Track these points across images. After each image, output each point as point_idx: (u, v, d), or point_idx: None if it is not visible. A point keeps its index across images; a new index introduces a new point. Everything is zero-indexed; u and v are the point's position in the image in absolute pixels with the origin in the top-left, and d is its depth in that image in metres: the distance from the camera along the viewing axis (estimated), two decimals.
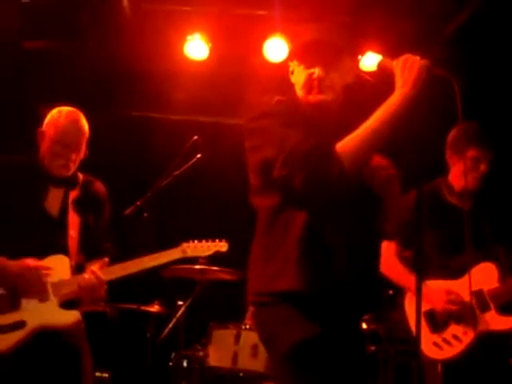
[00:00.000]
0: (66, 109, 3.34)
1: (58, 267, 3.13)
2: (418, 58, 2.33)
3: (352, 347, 2.43)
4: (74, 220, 3.23)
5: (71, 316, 3.12)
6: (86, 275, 3.13)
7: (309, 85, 2.46)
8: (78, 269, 3.18)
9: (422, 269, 3.46)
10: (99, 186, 3.46)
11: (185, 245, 3.46)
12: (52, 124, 3.29)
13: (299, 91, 2.51)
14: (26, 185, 3.20)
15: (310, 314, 2.30)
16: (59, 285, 3.10)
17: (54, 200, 3.24)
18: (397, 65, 2.35)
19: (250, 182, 2.50)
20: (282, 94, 2.54)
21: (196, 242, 3.53)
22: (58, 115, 3.30)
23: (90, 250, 3.27)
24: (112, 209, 3.47)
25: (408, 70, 2.30)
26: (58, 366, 3.08)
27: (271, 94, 2.52)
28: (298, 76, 2.51)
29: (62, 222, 3.21)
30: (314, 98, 2.46)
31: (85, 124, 3.33)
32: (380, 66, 2.45)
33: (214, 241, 3.60)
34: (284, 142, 2.31)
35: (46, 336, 3.05)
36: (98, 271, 3.14)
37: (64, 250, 3.16)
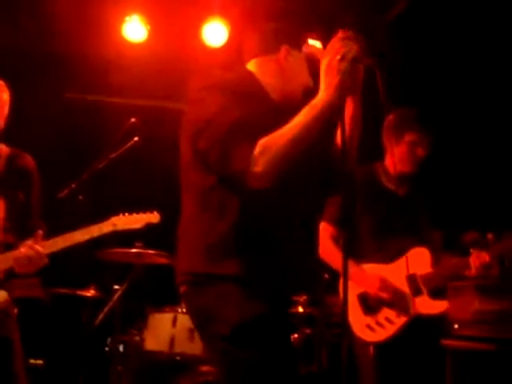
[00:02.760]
0: None
1: None
2: (344, 50, 2.28)
3: (287, 328, 2.46)
4: None
5: None
6: (23, 249, 3.02)
7: (306, 86, 2.51)
8: (6, 248, 3.07)
9: (350, 252, 3.52)
10: (27, 160, 3.30)
11: (114, 218, 3.32)
12: None
13: (286, 79, 2.50)
14: None
15: (250, 294, 2.30)
16: None
17: None
18: (322, 56, 2.33)
19: (181, 158, 2.46)
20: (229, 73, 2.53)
21: (126, 214, 3.38)
22: None
23: (21, 229, 3.15)
24: (44, 187, 3.34)
25: (331, 74, 2.28)
26: None
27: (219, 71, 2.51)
28: (300, 69, 2.52)
29: None
30: (299, 98, 2.49)
31: (3, 91, 3.18)
32: (306, 52, 2.46)
33: (144, 212, 3.45)
34: (216, 117, 2.28)
35: None
36: (35, 244, 3.03)
37: None
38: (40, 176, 3.32)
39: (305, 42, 2.50)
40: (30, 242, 3.03)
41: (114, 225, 3.29)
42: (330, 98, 2.27)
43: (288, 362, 2.36)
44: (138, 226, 3.39)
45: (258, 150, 2.20)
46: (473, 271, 3.57)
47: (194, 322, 2.49)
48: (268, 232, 2.35)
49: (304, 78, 2.54)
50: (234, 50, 2.79)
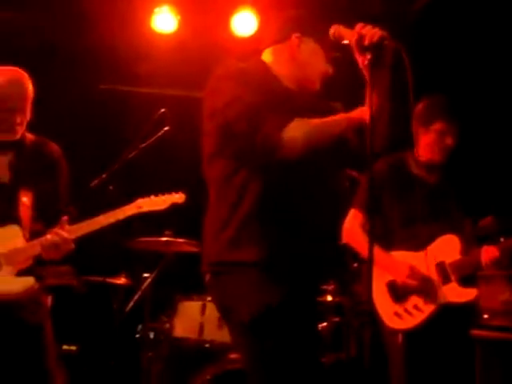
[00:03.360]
0: (4, 69, 3.17)
1: (8, 238, 3.05)
2: None
3: (312, 315, 2.48)
4: (26, 186, 3.12)
5: (24, 282, 3.04)
6: (49, 235, 3.04)
7: (324, 74, 2.54)
8: (34, 236, 3.09)
9: (380, 239, 3.53)
10: (53, 147, 3.31)
11: (140, 200, 3.31)
12: None
13: (300, 67, 2.53)
14: None
15: (270, 280, 2.31)
16: (12, 253, 3.03)
17: (2, 167, 3.13)
18: (350, 37, 2.36)
19: (203, 152, 2.49)
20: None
21: (152, 196, 3.38)
22: None
23: (50, 217, 3.16)
24: (76, 178, 3.37)
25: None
26: (16, 345, 3.02)
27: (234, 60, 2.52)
28: (315, 57, 2.54)
29: (12, 189, 3.10)
30: (317, 86, 2.54)
31: (28, 84, 3.17)
32: (335, 35, 2.46)
33: (170, 194, 3.44)
34: (242, 94, 2.31)
35: (3, 313, 3.00)
36: (61, 230, 3.05)
37: (15, 219, 3.07)
38: (67, 162, 3.33)
39: (323, 29, 2.51)
40: (55, 228, 3.06)
41: (139, 207, 3.29)
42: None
43: (310, 348, 2.37)
44: (162, 206, 3.38)
45: (295, 121, 2.25)
46: (483, 266, 3.56)
47: (218, 310, 2.52)
48: (289, 216, 2.36)
49: (321, 65, 2.55)
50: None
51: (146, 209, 3.30)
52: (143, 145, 4.43)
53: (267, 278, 2.31)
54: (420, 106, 3.79)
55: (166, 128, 4.45)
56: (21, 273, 3.05)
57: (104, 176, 4.32)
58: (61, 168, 3.30)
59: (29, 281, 3.05)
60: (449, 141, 3.72)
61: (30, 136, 3.27)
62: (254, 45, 2.70)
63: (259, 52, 2.63)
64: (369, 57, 2.33)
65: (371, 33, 2.31)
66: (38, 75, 3.25)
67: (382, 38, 2.30)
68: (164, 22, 5.55)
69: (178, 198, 3.44)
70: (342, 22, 2.50)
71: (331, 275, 4.68)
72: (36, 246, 3.05)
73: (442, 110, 3.72)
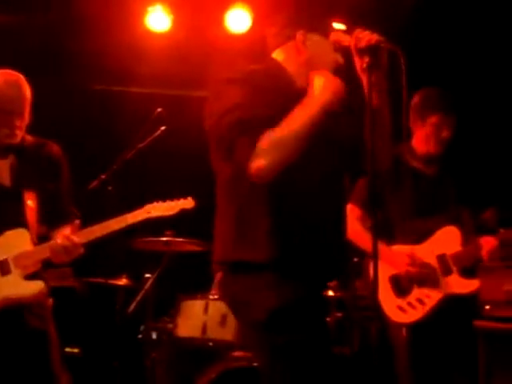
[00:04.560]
0: (1, 72, 3.16)
1: (17, 241, 3.06)
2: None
3: (321, 312, 2.50)
4: (30, 189, 3.12)
5: (35, 286, 3.06)
6: (59, 240, 3.05)
7: (334, 64, 2.54)
8: (41, 240, 3.10)
9: (380, 233, 3.52)
10: (53, 148, 3.30)
11: (149, 206, 3.31)
12: None
13: (309, 61, 2.52)
14: None
15: (284, 278, 2.32)
16: (21, 257, 3.04)
17: (3, 171, 3.13)
18: (349, 42, 2.40)
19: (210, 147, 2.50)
20: (256, 64, 2.55)
21: (160, 202, 3.36)
22: None
23: (53, 218, 3.18)
24: (75, 179, 3.37)
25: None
26: (22, 350, 3.03)
27: (245, 62, 2.54)
28: (322, 49, 2.54)
29: (16, 193, 3.10)
30: None
31: (26, 86, 3.15)
32: (333, 40, 2.48)
33: (178, 199, 3.42)
34: (227, 113, 2.30)
35: (9, 317, 3.01)
36: (71, 235, 3.06)
37: (22, 223, 3.07)
38: (68, 162, 3.33)
39: (326, 23, 2.52)
40: (66, 233, 3.07)
41: (148, 212, 3.29)
42: (325, 101, 2.33)
43: (325, 344, 2.40)
44: (172, 212, 3.37)
45: (262, 143, 2.23)
46: (483, 257, 3.58)
47: (231, 309, 2.53)
48: (296, 215, 2.37)
49: (330, 56, 2.55)
50: (258, 36, 2.81)
51: (155, 214, 3.30)
52: (141, 145, 4.44)
53: (280, 276, 2.33)
54: (415, 99, 3.79)
55: (162, 127, 4.46)
56: (29, 276, 3.06)
57: (103, 177, 4.32)
58: (63, 168, 3.30)
59: (40, 285, 3.07)
60: (445, 133, 3.72)
61: (29, 138, 3.26)
62: (248, 42, 2.70)
63: (267, 51, 2.63)
64: (367, 60, 2.36)
65: (369, 37, 2.35)
66: (32, 77, 3.23)
67: (379, 40, 2.34)
68: (157, 21, 5.53)
69: (187, 203, 3.43)
70: (339, 18, 2.52)
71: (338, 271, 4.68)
72: (45, 250, 3.06)
73: (438, 102, 3.72)
